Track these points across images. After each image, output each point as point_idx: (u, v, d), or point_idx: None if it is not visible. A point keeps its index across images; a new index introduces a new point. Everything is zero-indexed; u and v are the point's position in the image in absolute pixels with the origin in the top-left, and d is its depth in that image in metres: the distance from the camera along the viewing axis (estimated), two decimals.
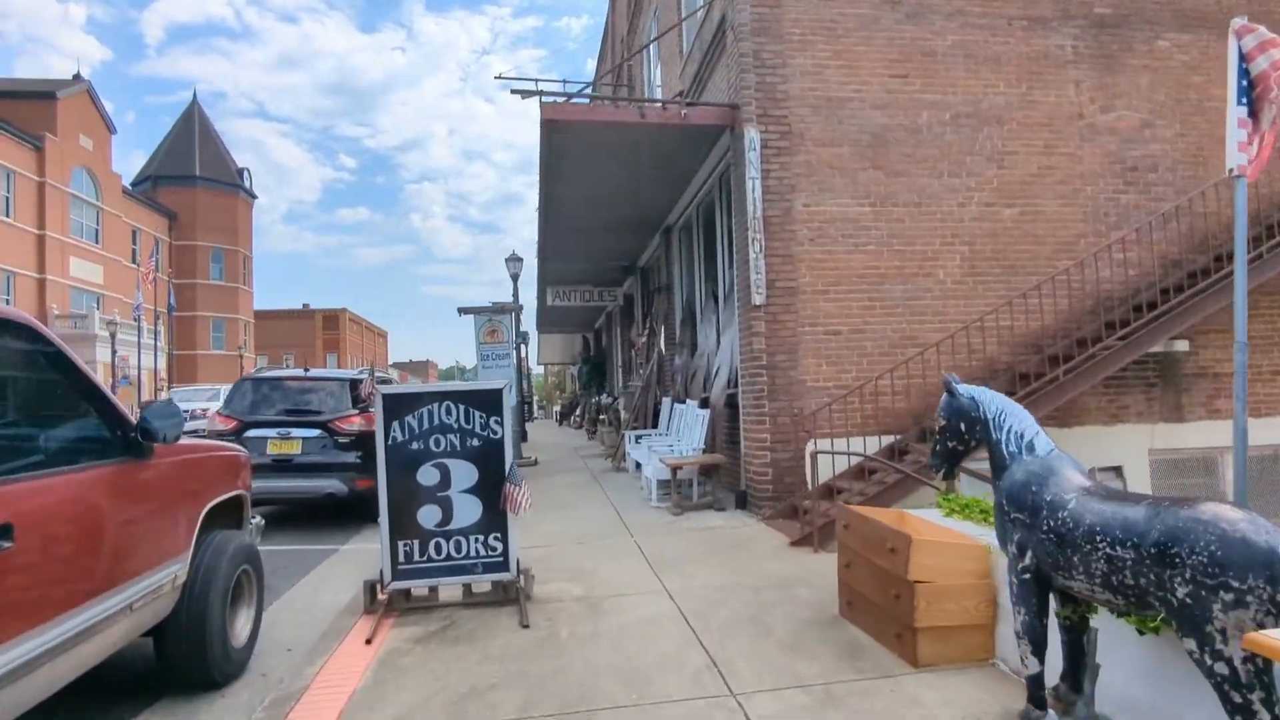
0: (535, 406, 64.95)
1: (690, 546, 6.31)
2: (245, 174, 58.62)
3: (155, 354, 40.17)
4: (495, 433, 4.89)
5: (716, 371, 9.00)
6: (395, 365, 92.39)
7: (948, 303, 7.80)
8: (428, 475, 4.78)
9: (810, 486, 7.22)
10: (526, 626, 4.36)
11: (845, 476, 7.24)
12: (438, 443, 4.82)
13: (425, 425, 4.81)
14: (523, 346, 23.72)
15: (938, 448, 3.29)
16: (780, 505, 7.31)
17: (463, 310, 13.69)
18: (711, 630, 4.21)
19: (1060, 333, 7.45)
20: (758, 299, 7.42)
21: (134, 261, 46.35)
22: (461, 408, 4.85)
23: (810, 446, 7.36)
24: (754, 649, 3.91)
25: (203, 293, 53.89)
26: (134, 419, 3.29)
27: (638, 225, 12.31)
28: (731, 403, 8.41)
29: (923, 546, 3.66)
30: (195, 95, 62.81)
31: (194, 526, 3.66)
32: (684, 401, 10.58)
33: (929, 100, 7.85)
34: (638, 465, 10.57)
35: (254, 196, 59.84)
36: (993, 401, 3.16)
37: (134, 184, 52.43)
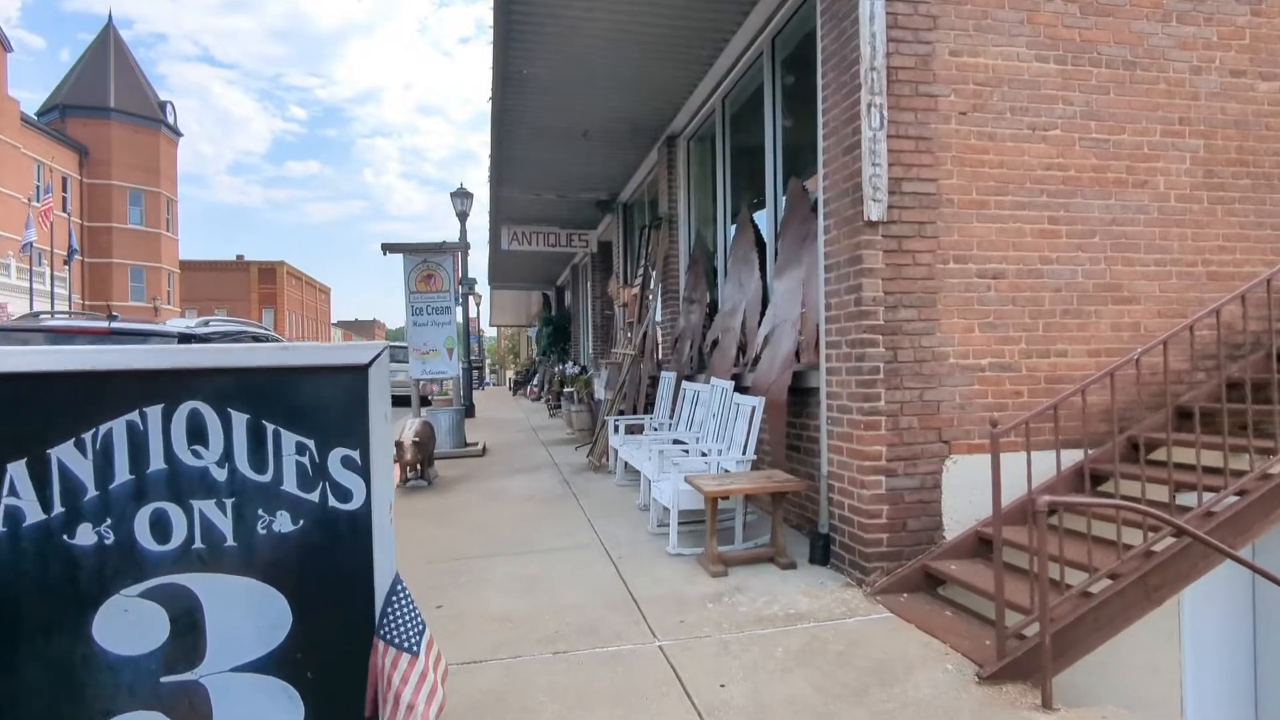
0: (488, 371, 61.38)
1: (778, 676, 3.18)
2: (169, 109, 53.08)
3: (52, 301, 35.43)
4: (345, 494, 1.64)
5: (768, 338, 5.82)
6: (339, 324, 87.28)
7: (1169, 232, 4.73)
8: (124, 631, 1.53)
9: (944, 535, 4.22)
10: None
11: (1010, 520, 4.18)
12: (160, 527, 1.56)
13: (116, 470, 1.54)
14: (471, 299, 19.90)
15: None
16: (901, 569, 4.22)
17: (389, 248, 10.23)
18: None
19: None
20: (874, 210, 4.24)
21: (38, 201, 41.16)
22: (240, 420, 1.59)
23: (951, 466, 4.31)
24: None
25: (119, 237, 48.73)
26: None
27: (628, 133, 8.98)
28: (802, 389, 5.26)
29: None
30: (110, 19, 56.34)
31: None
32: (696, 379, 7.40)
33: None
34: (627, 467, 7.40)
35: (179, 134, 54.41)
36: None
37: (39, 114, 46.75)
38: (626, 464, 7.38)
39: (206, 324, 5.92)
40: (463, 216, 16.03)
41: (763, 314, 6.13)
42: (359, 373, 1.63)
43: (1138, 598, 3.33)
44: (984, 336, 4.44)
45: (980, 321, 4.43)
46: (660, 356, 8.86)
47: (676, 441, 6.79)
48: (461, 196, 16.18)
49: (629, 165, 10.38)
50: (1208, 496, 3.47)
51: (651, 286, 8.89)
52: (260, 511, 1.57)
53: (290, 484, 1.57)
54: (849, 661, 3.34)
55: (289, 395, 1.57)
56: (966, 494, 4.36)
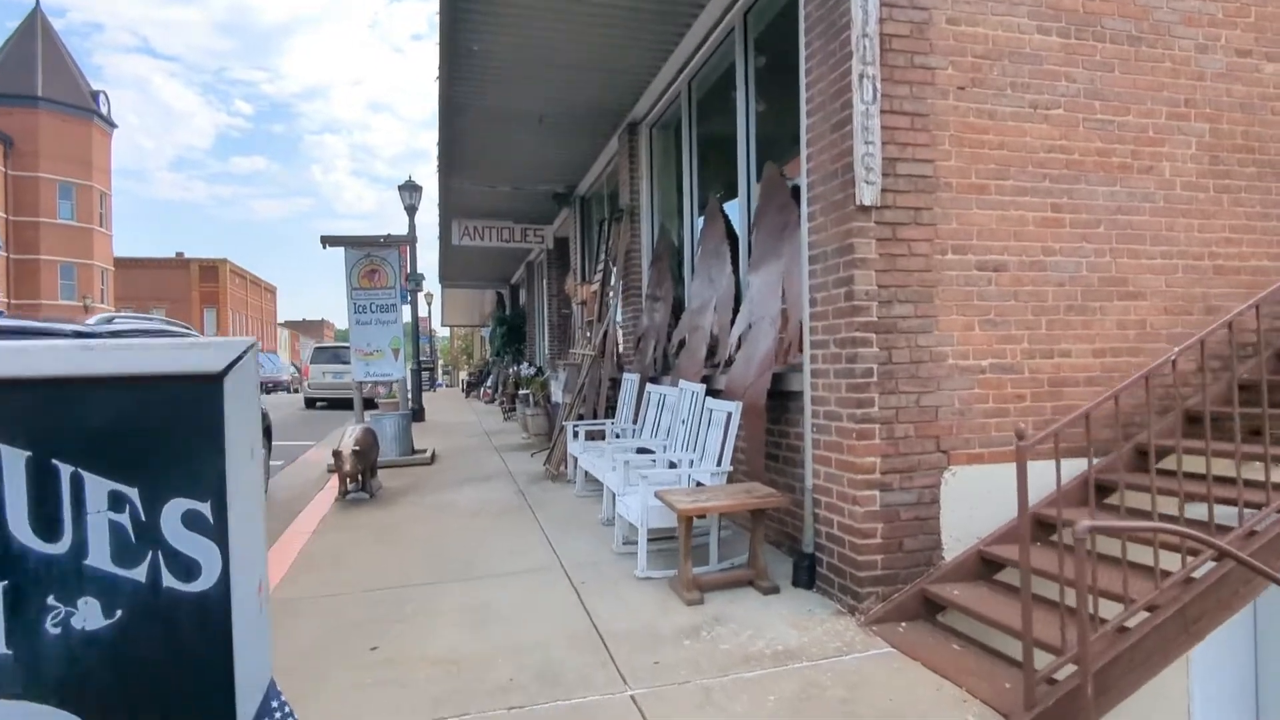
0: (440, 372, 60.01)
1: None
2: (102, 98, 50.79)
3: None
4: (188, 568, 1.09)
5: (743, 337, 5.35)
6: (285, 324, 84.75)
7: (1175, 222, 4.39)
8: None
9: (943, 555, 3.83)
10: None
11: (1005, 540, 3.80)
12: None
13: None
14: (422, 298, 18.87)
15: None
16: (898, 594, 3.79)
17: (329, 240, 9.52)
18: None
19: None
20: (866, 194, 3.80)
21: None
22: (14, 459, 1.02)
23: (950, 479, 3.91)
24: None
25: (48, 233, 46.40)
26: None
27: (587, 119, 8.45)
28: (782, 392, 4.79)
29: None
30: (38, 4, 53.52)
31: None
32: (661, 381, 6.92)
33: None
34: (587, 476, 6.87)
35: (113, 125, 52.10)
36: None
37: None
38: (587, 473, 6.86)
39: (110, 320, 5.23)
40: (411, 210, 15.31)
41: (736, 311, 5.66)
42: (210, 385, 1.08)
43: (1175, 631, 2.93)
44: (984, 335, 4.03)
45: (980, 319, 4.02)
46: (621, 357, 8.36)
47: (642, 450, 6.29)
48: (410, 190, 15.46)
49: (587, 155, 9.84)
50: (1249, 514, 3.10)
51: (612, 283, 8.38)
52: (51, 600, 1.02)
53: (100, 556, 1.03)
54: (854, 712, 2.88)
55: (95, 420, 1.02)
56: (966, 509, 3.95)
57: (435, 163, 10.22)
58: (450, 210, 12.67)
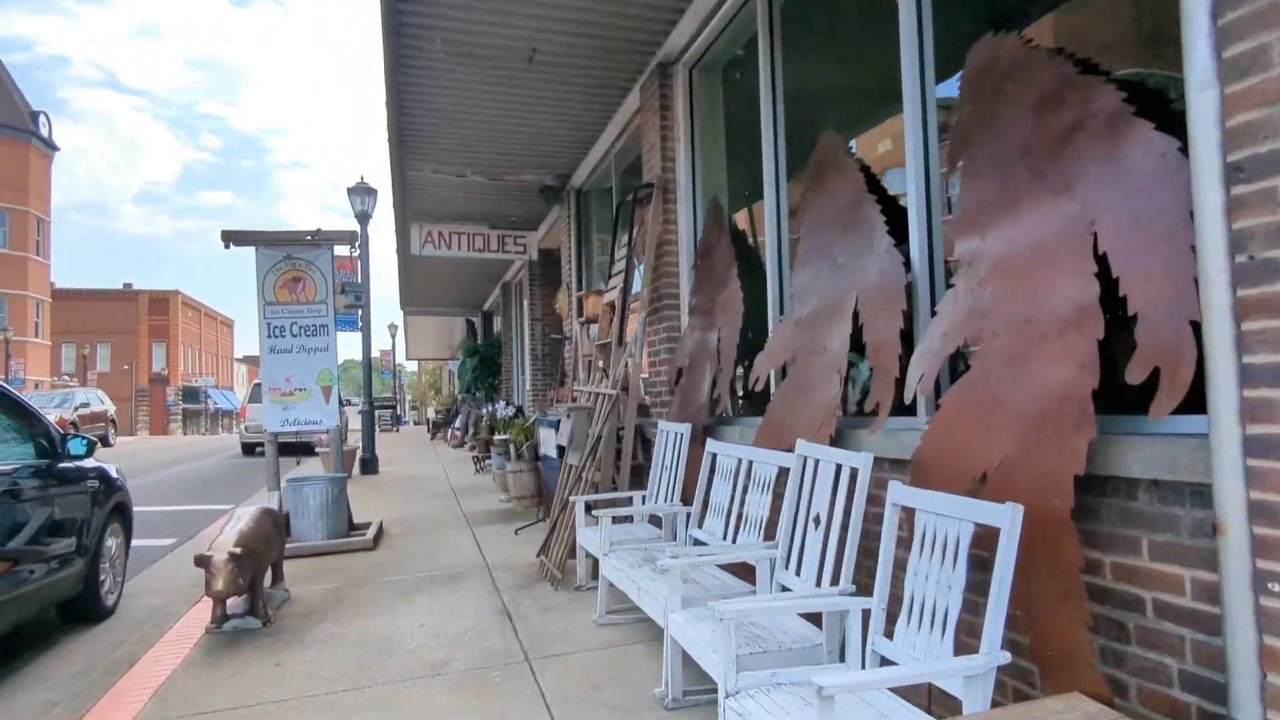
0: (408, 408, 56.65)
1: None
2: (42, 120, 47.65)
3: None
4: None
5: (970, 356, 2.78)
6: (244, 359, 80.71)
7: None
8: None
9: None
10: None
11: None
12: None
13: None
14: (381, 326, 15.37)
15: None
16: None
17: (231, 237, 6.83)
18: None
19: None
20: None
21: None
22: None
23: None
24: None
25: None
26: None
27: (596, 56, 5.93)
28: (1118, 482, 2.20)
29: None
30: None
31: None
32: (722, 433, 4.32)
33: None
34: (614, 585, 4.22)
35: (54, 148, 48.89)
36: None
37: None
38: (612, 583, 4.23)
39: None
40: (363, 218, 12.70)
41: (907, 315, 3.09)
42: None
43: None
44: None
45: None
46: (651, 397, 5.76)
47: (698, 542, 3.70)
48: (362, 194, 12.89)
49: (591, 123, 7.30)
50: None
51: (636, 290, 5.81)
52: None
53: None
54: None
55: None
56: None
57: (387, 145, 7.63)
58: (409, 211, 10.02)
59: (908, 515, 2.51)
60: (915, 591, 2.37)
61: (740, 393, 4.93)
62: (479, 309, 20.64)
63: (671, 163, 5.74)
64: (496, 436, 11.14)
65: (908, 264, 3.18)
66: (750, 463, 3.89)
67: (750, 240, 5.46)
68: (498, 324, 18.12)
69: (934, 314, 2.87)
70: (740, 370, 4.86)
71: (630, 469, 5.43)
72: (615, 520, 4.58)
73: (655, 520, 5.01)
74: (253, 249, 6.90)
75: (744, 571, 3.66)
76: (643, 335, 5.66)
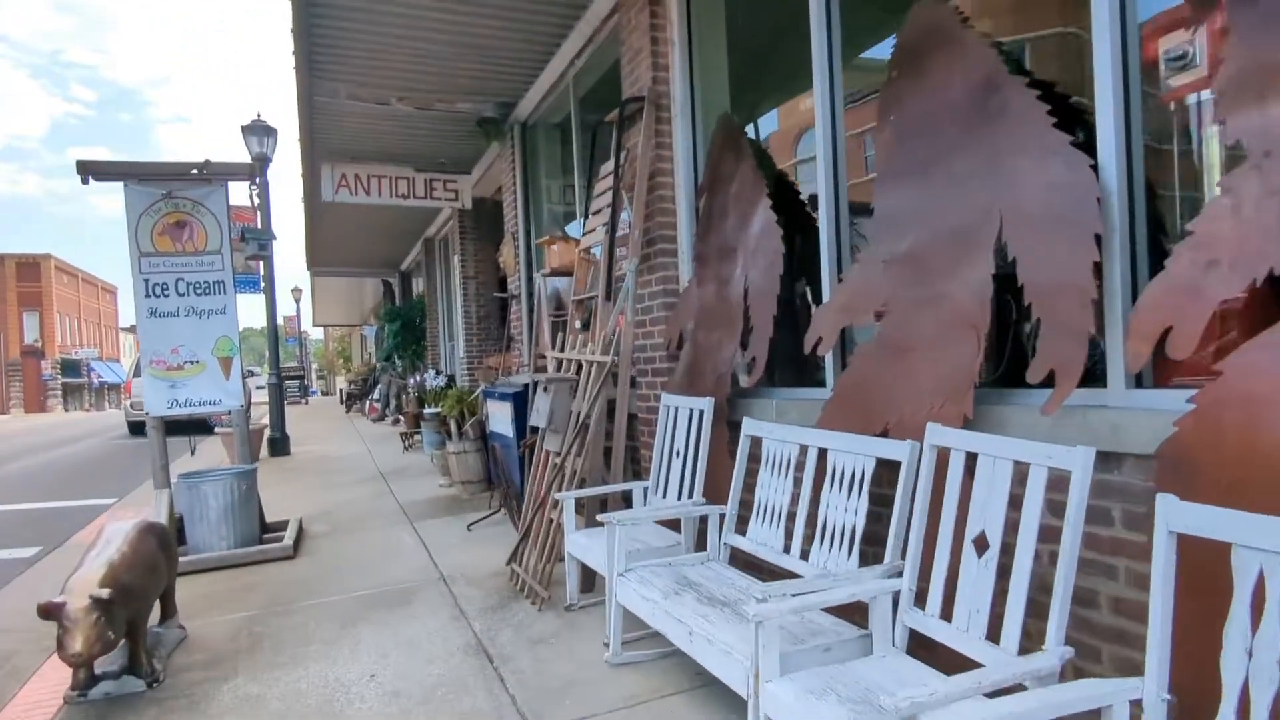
0: (315, 377, 53.54)
1: None
2: None
3: None
4: None
5: None
6: (129, 329, 74.77)
7: None
8: None
9: None
10: None
11: None
12: None
13: None
14: (284, 290, 13.29)
15: None
16: None
17: (88, 168, 5.32)
18: None
19: None
20: None
21: None
22: None
23: None
24: None
25: None
26: None
27: None
28: None
29: None
30: None
31: None
32: (751, 408, 3.34)
33: None
34: (627, 612, 3.20)
35: None
36: None
37: None
38: (639, 615, 3.21)
39: None
40: (262, 161, 11.01)
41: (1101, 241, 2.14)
42: None
43: None
44: None
45: None
46: (641, 364, 4.69)
47: (796, 584, 2.72)
48: (260, 133, 11.20)
49: (547, 32, 6.03)
50: None
51: (623, 230, 4.70)
52: None
53: None
54: None
55: None
56: None
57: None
58: (319, 149, 8.50)
59: (1221, 558, 1.57)
60: (1245, 679, 1.44)
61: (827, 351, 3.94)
62: (396, 269, 18.95)
63: (665, 72, 4.61)
64: (427, 410, 9.89)
65: (1094, 169, 2.22)
66: (822, 451, 2.92)
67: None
68: (419, 285, 16.57)
69: (1185, 233, 1.91)
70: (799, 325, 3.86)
71: (625, 454, 4.38)
72: (620, 523, 3.53)
73: (665, 520, 4.00)
74: (121, 185, 5.41)
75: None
76: (633, 288, 4.57)
